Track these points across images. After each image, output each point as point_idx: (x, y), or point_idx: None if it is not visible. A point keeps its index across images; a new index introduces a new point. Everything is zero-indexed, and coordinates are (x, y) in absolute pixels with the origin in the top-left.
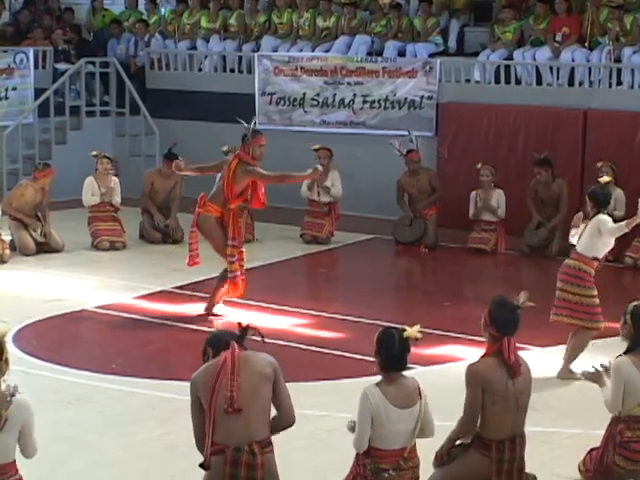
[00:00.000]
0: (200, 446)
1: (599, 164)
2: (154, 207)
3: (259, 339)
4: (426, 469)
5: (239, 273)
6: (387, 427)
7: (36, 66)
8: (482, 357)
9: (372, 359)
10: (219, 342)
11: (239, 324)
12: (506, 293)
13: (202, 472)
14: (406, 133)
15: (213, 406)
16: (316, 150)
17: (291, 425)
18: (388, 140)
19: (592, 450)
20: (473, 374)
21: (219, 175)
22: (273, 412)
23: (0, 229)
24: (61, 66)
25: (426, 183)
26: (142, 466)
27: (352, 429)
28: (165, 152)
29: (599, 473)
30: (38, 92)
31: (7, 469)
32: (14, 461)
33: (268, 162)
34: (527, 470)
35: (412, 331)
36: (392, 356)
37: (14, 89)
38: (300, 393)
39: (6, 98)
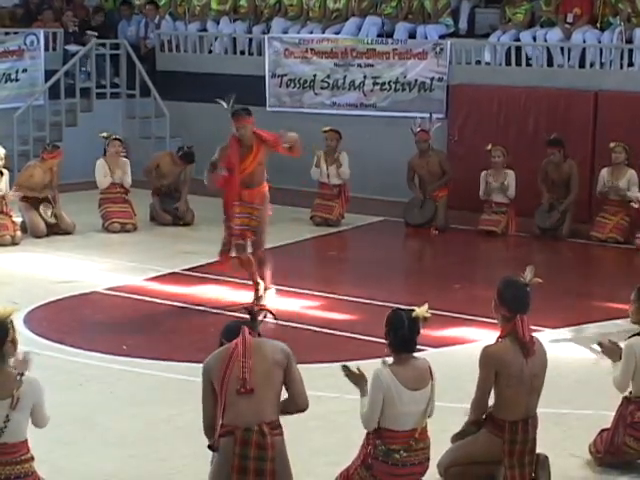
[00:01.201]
0: (208, 431)
1: (612, 145)
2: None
3: (272, 320)
4: (437, 450)
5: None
6: (398, 408)
7: (46, 48)
8: (497, 339)
9: (383, 341)
10: (232, 333)
11: (247, 307)
12: (515, 274)
13: (212, 453)
14: (427, 115)
15: (225, 388)
16: (325, 132)
17: (304, 410)
18: (398, 122)
19: (603, 431)
20: (488, 356)
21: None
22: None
23: (11, 211)
24: (71, 48)
25: (436, 165)
26: (152, 447)
27: (345, 371)
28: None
29: (609, 454)
30: (48, 74)
31: (19, 448)
32: (26, 440)
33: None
34: (539, 450)
35: (421, 311)
36: (402, 337)
37: (24, 71)
38: (311, 375)
39: (16, 80)
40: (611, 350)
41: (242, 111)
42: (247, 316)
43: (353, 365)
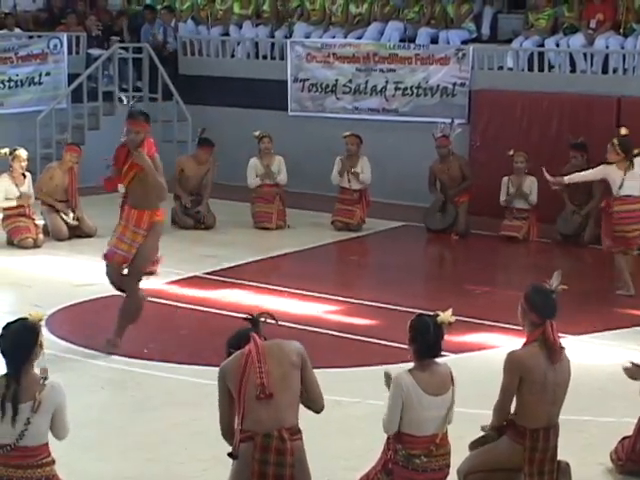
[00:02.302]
0: (226, 435)
1: (636, 150)
2: (182, 190)
3: (274, 322)
4: (456, 456)
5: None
6: (419, 413)
7: (70, 52)
8: (523, 345)
9: (403, 346)
10: (239, 340)
11: (246, 318)
12: (538, 281)
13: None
14: (448, 120)
15: (243, 395)
16: (345, 137)
17: (320, 411)
18: (420, 127)
19: (624, 439)
20: (513, 361)
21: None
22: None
23: (34, 214)
24: (94, 51)
25: (457, 170)
26: (172, 451)
27: (387, 380)
28: (198, 138)
29: (631, 461)
30: (71, 77)
31: (40, 451)
32: (47, 443)
33: (301, 148)
34: (560, 457)
35: (445, 316)
36: (427, 343)
37: (48, 74)
38: (332, 379)
39: (40, 83)
40: (635, 372)
41: (139, 114)
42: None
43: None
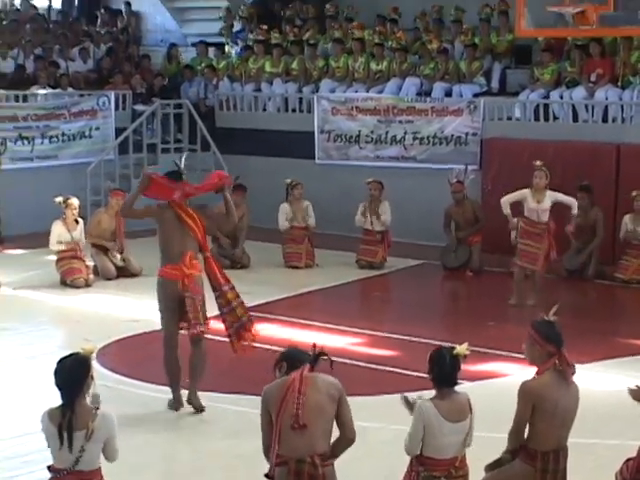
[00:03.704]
0: (267, 454)
1: (634, 193)
2: (220, 233)
3: (328, 359)
4: (474, 477)
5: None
6: (439, 439)
7: (117, 108)
8: (536, 375)
9: (424, 375)
10: (293, 359)
11: (314, 345)
12: (546, 313)
13: None
14: (462, 166)
15: (280, 421)
16: (368, 183)
17: (352, 442)
18: (436, 173)
19: (629, 460)
20: (526, 391)
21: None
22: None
23: (85, 256)
24: (139, 107)
25: (471, 213)
26: (215, 475)
27: (406, 403)
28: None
29: None
30: (118, 131)
31: (93, 476)
32: (99, 468)
33: (327, 194)
34: (569, 478)
35: (461, 349)
36: (444, 373)
37: (97, 129)
38: (357, 406)
39: (90, 137)
40: (637, 395)
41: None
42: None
43: (410, 396)
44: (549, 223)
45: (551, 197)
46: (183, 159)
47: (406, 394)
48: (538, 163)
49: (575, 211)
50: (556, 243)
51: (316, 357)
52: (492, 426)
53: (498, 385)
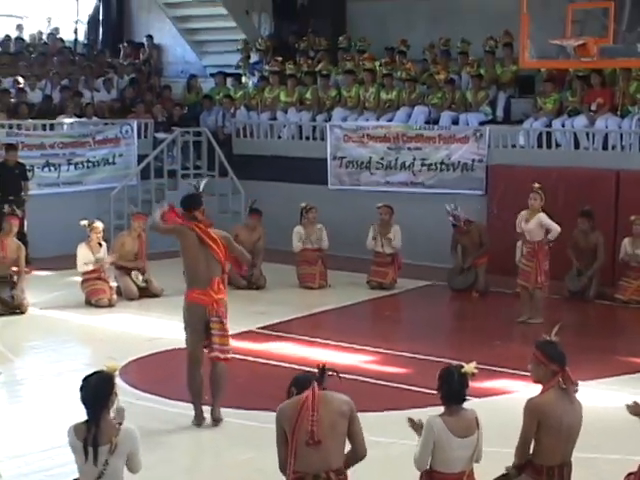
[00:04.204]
0: (283, 470)
1: (633, 217)
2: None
3: (335, 374)
4: None
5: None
6: (448, 453)
7: (139, 136)
8: (541, 393)
9: (431, 391)
10: (302, 383)
11: (318, 365)
12: (548, 334)
13: None
14: (451, 206)
15: (295, 438)
16: (379, 207)
17: (363, 457)
18: (444, 198)
19: (630, 475)
20: (532, 408)
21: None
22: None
23: (108, 277)
24: (160, 135)
25: (477, 237)
26: None
27: (412, 426)
28: (249, 207)
29: None
30: (140, 158)
31: None
32: None
33: (339, 218)
34: None
35: (469, 367)
36: (452, 390)
37: (120, 156)
38: (369, 422)
39: (113, 163)
40: (637, 409)
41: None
42: (316, 371)
43: (415, 417)
44: (539, 243)
45: (538, 219)
46: (203, 183)
47: (410, 417)
48: (536, 185)
49: (552, 237)
50: (557, 264)
51: (322, 373)
52: (499, 441)
53: (504, 401)
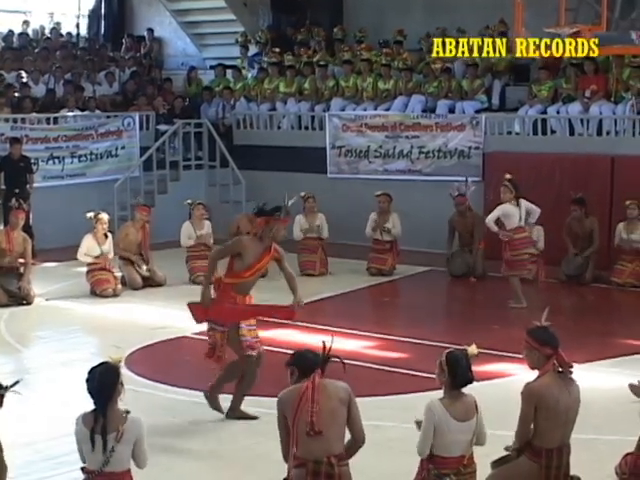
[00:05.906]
0: (286, 456)
1: (627, 202)
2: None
3: (339, 360)
4: (482, 472)
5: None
6: (448, 437)
7: (141, 128)
8: (539, 377)
9: (431, 376)
10: (305, 365)
11: (324, 345)
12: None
13: None
14: (463, 179)
15: (296, 427)
16: (377, 196)
17: (363, 443)
18: (441, 185)
19: (627, 455)
20: (529, 392)
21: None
22: None
23: (113, 267)
24: (162, 127)
25: (471, 225)
26: (236, 473)
27: (418, 426)
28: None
29: (634, 476)
30: (143, 150)
31: (123, 476)
32: (129, 470)
33: (339, 205)
34: (572, 472)
35: (472, 349)
36: (462, 375)
37: (123, 148)
38: (370, 406)
39: (116, 156)
40: (637, 390)
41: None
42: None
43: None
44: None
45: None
46: (292, 201)
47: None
48: (507, 176)
49: (533, 220)
50: (553, 250)
51: (325, 360)
52: (498, 423)
53: (503, 384)
